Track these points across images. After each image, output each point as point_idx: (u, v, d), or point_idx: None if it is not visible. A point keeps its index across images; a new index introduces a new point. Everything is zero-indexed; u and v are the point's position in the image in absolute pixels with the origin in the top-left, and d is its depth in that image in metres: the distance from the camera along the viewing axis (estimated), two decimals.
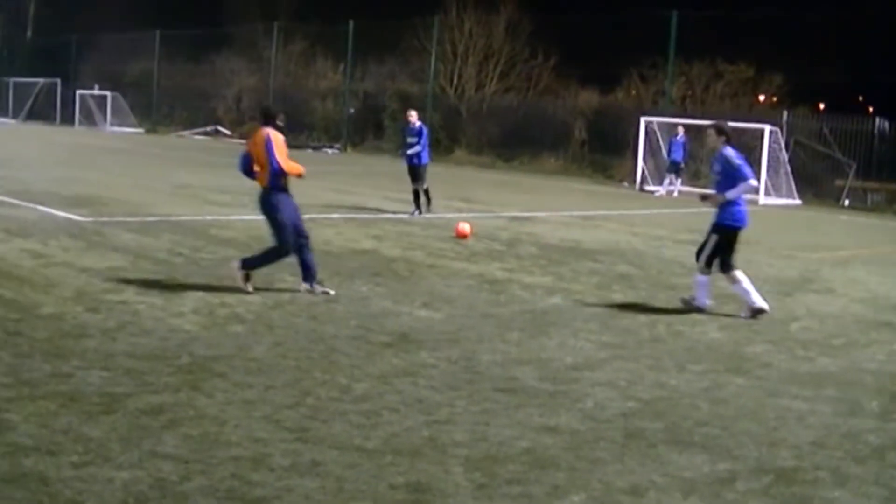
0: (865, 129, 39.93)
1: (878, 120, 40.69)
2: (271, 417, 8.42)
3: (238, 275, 13.83)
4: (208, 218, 21.92)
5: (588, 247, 21.01)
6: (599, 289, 16.00)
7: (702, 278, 14.36)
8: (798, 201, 38.20)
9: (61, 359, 9.83)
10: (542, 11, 52.85)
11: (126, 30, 70.60)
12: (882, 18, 44.71)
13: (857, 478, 7.89)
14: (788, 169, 38.77)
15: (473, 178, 40.60)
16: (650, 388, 10.14)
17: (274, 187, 13.69)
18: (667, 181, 39.30)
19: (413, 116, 25.86)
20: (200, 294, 13.53)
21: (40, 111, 76.48)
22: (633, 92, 52.14)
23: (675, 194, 38.57)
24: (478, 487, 7.21)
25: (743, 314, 14.08)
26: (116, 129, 69.21)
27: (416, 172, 25.20)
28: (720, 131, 14.14)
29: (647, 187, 40.78)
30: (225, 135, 64.21)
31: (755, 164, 37.56)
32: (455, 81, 56.68)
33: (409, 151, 25.11)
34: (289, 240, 13.81)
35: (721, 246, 14.14)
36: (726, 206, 13.96)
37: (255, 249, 14.61)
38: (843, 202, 38.96)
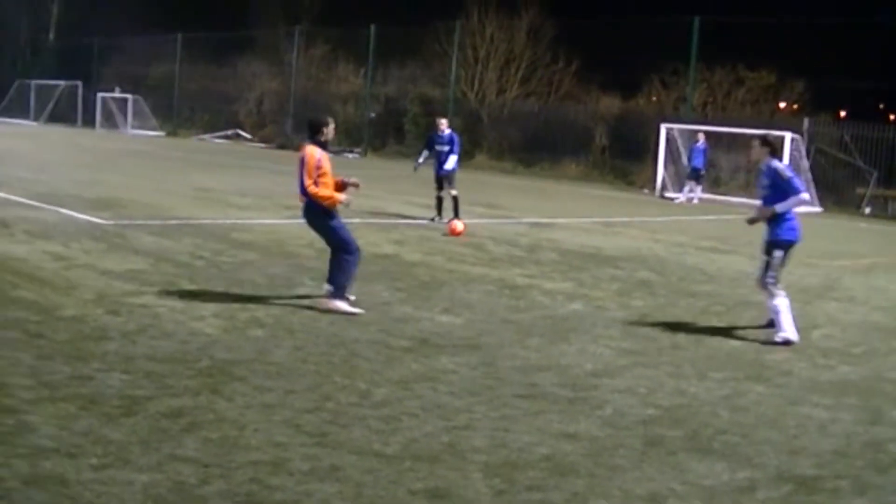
0: (887, 136, 39.76)
1: None
2: (291, 422, 8.42)
3: (338, 305, 13.12)
4: (229, 221, 21.94)
5: (609, 253, 20.98)
6: (620, 295, 15.97)
7: (775, 304, 13.11)
8: (819, 209, 38.08)
9: (82, 361, 9.85)
10: (563, 16, 52.79)
11: (148, 33, 70.72)
12: None
13: (878, 487, 7.87)
14: (810, 176, 38.61)
15: (494, 184, 40.58)
16: (670, 395, 10.12)
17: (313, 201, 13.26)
18: (687, 188, 39.24)
19: (443, 124, 25.31)
20: (221, 297, 13.54)
21: (62, 113, 76.64)
22: (654, 98, 52.08)
23: (696, 201, 38.53)
24: (497, 494, 7.20)
25: (776, 338, 13.00)
26: (137, 131, 69.34)
27: (444, 179, 24.81)
28: (765, 142, 13.54)
29: (668, 194, 40.72)
30: (245, 138, 64.29)
31: None
32: (476, 86, 56.63)
33: (447, 166, 24.40)
34: (350, 238, 13.43)
35: (785, 260, 13.40)
36: (780, 221, 13.25)
37: (328, 270, 13.63)
38: (864, 210, 38.85)
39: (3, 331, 10.91)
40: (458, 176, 24.78)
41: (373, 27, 58.51)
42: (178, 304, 13.00)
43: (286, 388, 9.38)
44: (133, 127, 70.57)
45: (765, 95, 48.67)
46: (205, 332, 11.47)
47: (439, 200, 24.73)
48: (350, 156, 55.46)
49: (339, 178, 13.55)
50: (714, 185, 41.02)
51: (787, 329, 12.96)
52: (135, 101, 71.25)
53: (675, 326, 13.67)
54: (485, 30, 56.18)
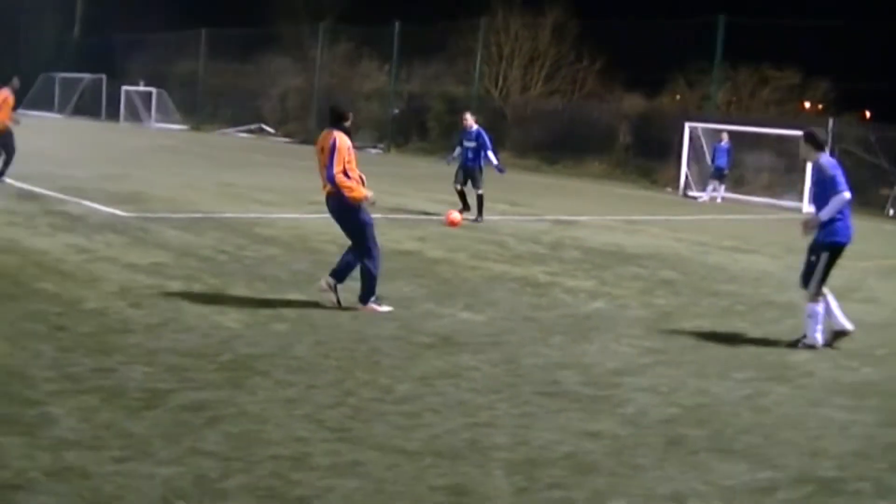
0: None
1: None
2: (313, 417, 8.43)
3: (373, 308, 12.91)
4: (252, 216, 21.96)
5: (631, 251, 20.94)
6: (642, 294, 15.95)
7: (814, 307, 12.79)
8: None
9: (104, 354, 9.88)
10: (588, 14, 52.68)
11: (172, 28, 70.88)
12: None
13: None
14: None
15: (517, 181, 40.49)
16: (692, 394, 10.10)
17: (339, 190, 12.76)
18: (710, 187, 39.17)
19: (469, 120, 25.09)
20: (243, 292, 13.56)
21: (86, 107, 76.82)
22: (678, 97, 51.95)
23: (719, 200, 38.47)
24: (518, 491, 7.20)
25: (805, 342, 12.80)
26: (161, 125, 69.48)
27: (469, 176, 24.54)
28: (809, 138, 13.11)
29: (691, 193, 40.64)
30: (269, 133, 64.34)
31: (798, 172, 37.45)
32: (500, 84, 56.59)
33: (494, 163, 24.52)
34: (375, 240, 13.07)
35: (831, 264, 12.85)
36: (829, 222, 12.70)
37: (338, 263, 13.27)
38: (889, 211, 38.67)
39: (26, 323, 10.95)
40: (485, 172, 24.70)
41: (397, 24, 58.49)
42: (201, 298, 13.03)
43: (308, 383, 9.39)
44: (156, 121, 70.70)
45: (789, 95, 48.55)
46: (227, 327, 11.49)
47: (462, 195, 24.64)
48: (373, 152, 55.47)
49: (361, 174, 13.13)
50: (737, 184, 40.91)
51: (815, 335, 12.71)
52: (158, 95, 71.41)
53: (697, 326, 13.64)
54: (509, 27, 56.10)
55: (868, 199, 39.68)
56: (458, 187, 24.61)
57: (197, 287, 13.70)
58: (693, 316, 14.38)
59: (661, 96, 53.02)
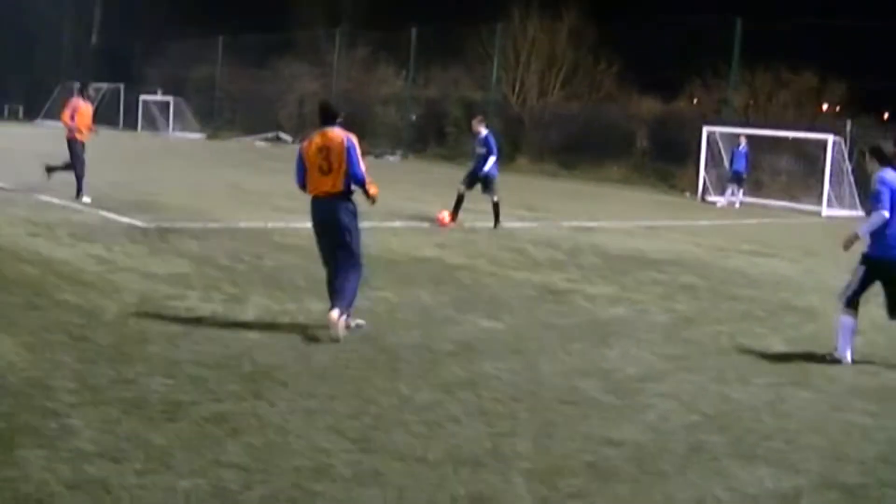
0: None
1: None
2: (334, 427, 8.42)
3: (343, 323, 11.82)
4: (270, 224, 21.96)
5: (651, 257, 20.91)
6: (663, 299, 15.91)
7: (845, 320, 12.39)
8: (861, 212, 37.84)
9: (125, 364, 9.88)
10: (605, 18, 52.69)
11: (189, 35, 71.09)
12: None
13: None
14: (852, 179, 38.43)
15: (535, 186, 40.53)
16: (714, 400, 10.07)
17: (350, 193, 12.16)
18: (728, 192, 39.14)
19: (477, 125, 24.85)
20: (263, 301, 13.55)
21: (104, 116, 77.09)
22: (696, 100, 51.90)
23: (737, 205, 38.43)
24: (540, 500, 7.18)
25: (830, 355, 12.42)
26: (179, 133, 69.72)
27: (482, 183, 24.37)
28: (874, 152, 12.65)
29: (709, 197, 40.60)
30: (286, 141, 64.42)
31: (817, 175, 37.39)
32: (517, 88, 56.63)
33: (486, 168, 24.10)
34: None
35: (867, 279, 12.36)
36: (877, 235, 12.21)
37: (341, 290, 12.24)
38: None
39: (47, 333, 10.96)
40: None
41: (414, 29, 58.58)
42: (221, 307, 13.03)
43: (329, 393, 9.38)
44: (174, 129, 70.97)
45: (807, 97, 48.45)
46: (247, 336, 11.48)
47: (459, 199, 24.40)
48: (391, 158, 55.52)
49: None
50: (756, 188, 40.87)
51: (843, 350, 12.33)
52: (176, 104, 71.63)
53: (717, 331, 13.61)
54: (526, 32, 56.17)
55: None
56: (461, 189, 24.43)
57: (216, 296, 13.70)
58: (713, 321, 14.34)
59: (678, 100, 52.94)
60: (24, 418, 8.10)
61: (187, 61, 73.79)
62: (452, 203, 24.27)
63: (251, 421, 8.44)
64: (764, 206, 38.50)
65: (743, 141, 38.92)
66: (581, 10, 55.61)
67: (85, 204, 23.15)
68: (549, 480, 7.53)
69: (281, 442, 7.98)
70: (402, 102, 60.92)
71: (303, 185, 12.47)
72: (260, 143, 64.01)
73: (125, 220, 21.07)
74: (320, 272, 12.63)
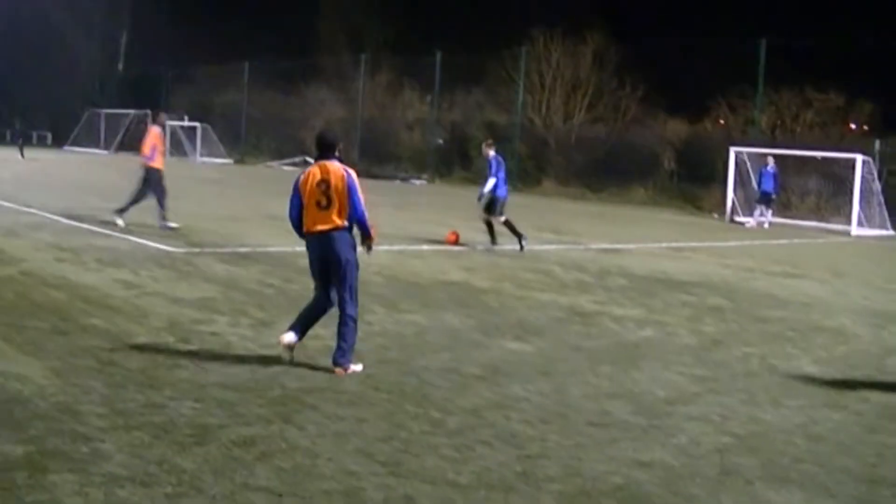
0: None
1: None
2: (363, 450, 8.40)
3: (353, 369, 11.25)
4: (298, 249, 21.76)
5: (679, 278, 20.85)
6: (691, 321, 15.85)
7: None
8: (891, 232, 37.76)
9: (154, 389, 9.88)
10: (629, 41, 52.73)
11: (215, 62, 71.43)
12: None
13: None
14: (881, 199, 38.31)
15: (562, 209, 40.51)
16: (745, 422, 10.01)
17: (350, 229, 11.79)
18: (757, 212, 39.06)
19: (486, 148, 24.58)
20: None
21: (131, 142, 77.42)
22: (722, 121, 51.87)
23: (766, 226, 38.34)
24: None
25: None
26: (206, 159, 69.98)
27: (489, 203, 24.16)
28: None
29: (738, 218, 40.51)
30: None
31: (846, 195, 37.28)
32: (543, 112, 56.68)
33: (485, 189, 24.00)
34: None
35: None
36: None
37: (340, 336, 11.66)
38: None
39: (76, 359, 10.98)
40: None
41: (438, 54, 58.69)
42: (249, 331, 13.05)
43: (358, 417, 9.36)
44: (202, 155, 71.22)
45: (833, 117, 48.35)
46: (275, 360, 11.46)
47: (488, 224, 24.28)
48: (417, 182, 55.60)
49: None
50: (784, 208, 40.78)
51: None
52: (203, 130, 71.92)
53: (747, 352, 13.54)
54: (551, 55, 56.24)
55: None
56: (484, 217, 24.37)
57: (244, 321, 13.71)
58: (742, 343, 14.27)
59: (703, 121, 52.91)
60: (54, 443, 8.11)
61: (214, 87, 74.16)
62: (487, 235, 24.11)
63: (280, 444, 8.42)
64: (793, 227, 38.40)
65: (771, 161, 38.85)
66: (605, 33, 55.67)
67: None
68: (581, 503, 7.49)
69: (310, 465, 7.96)
70: (427, 127, 61.02)
71: (297, 222, 12.12)
72: (286, 168, 64.13)
73: (153, 245, 21.11)
74: None
